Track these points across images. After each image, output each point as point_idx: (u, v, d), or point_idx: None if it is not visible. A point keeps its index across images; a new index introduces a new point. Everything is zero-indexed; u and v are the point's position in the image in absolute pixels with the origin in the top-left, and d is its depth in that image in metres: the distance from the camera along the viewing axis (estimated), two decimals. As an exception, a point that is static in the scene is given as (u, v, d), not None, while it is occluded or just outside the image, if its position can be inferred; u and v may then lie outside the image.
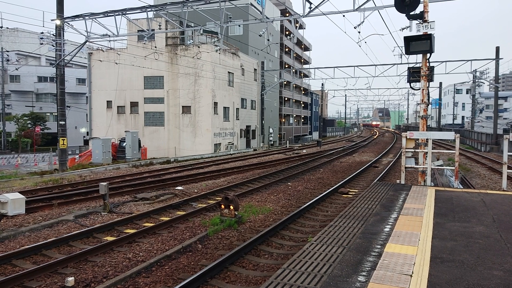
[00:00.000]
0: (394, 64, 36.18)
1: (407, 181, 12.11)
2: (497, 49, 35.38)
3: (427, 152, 10.31)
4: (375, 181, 15.33)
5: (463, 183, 16.22)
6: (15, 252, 7.69)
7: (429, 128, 62.62)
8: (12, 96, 54.82)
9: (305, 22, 73.90)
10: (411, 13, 11.45)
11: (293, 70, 62.87)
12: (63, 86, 22.57)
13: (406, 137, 10.49)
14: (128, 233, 9.22)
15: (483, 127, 56.41)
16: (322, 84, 63.96)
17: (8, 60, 49.56)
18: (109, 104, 38.05)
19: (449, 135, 10.97)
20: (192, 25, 29.51)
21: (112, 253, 8.01)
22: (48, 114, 56.47)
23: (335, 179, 17.61)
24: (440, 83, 59.69)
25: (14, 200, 9.28)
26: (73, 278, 6.35)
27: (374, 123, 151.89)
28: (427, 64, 11.52)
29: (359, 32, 20.31)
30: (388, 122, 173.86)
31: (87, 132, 43.61)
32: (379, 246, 5.08)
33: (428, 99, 11.81)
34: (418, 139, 11.48)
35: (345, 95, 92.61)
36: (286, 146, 44.57)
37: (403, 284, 3.93)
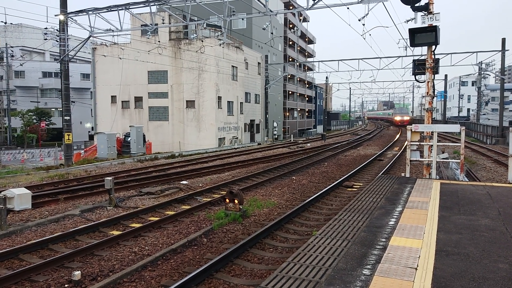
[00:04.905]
0: (399, 56, 35.88)
1: (412, 174, 12.08)
2: (503, 40, 34.98)
3: (432, 145, 10.26)
4: (380, 174, 15.28)
5: (469, 176, 16.14)
6: (22, 247, 7.77)
7: (435, 121, 62.27)
8: (17, 91, 55.05)
9: (309, 15, 73.41)
10: (416, 4, 11.36)
11: (297, 64, 62.58)
12: (68, 81, 22.63)
13: (411, 130, 10.44)
14: (134, 227, 9.28)
15: (489, 119, 55.99)
16: (326, 78, 63.52)
17: (12, 56, 49.67)
18: (113, 99, 38.12)
19: (454, 128, 10.92)
20: (196, 19, 29.41)
21: (118, 247, 8.06)
22: (53, 109, 56.73)
23: (340, 173, 17.58)
24: (446, 76, 59.22)
25: (20, 195, 9.36)
26: (79, 272, 6.40)
27: (397, 118, 78.11)
28: (432, 56, 11.44)
29: (364, 25, 20.14)
30: None
31: (92, 127, 43.78)
32: (384, 240, 5.08)
33: (434, 92, 11.75)
34: (423, 132, 11.43)
35: (350, 88, 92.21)
36: (291, 140, 44.49)
37: (408, 277, 3.93)
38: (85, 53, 52.90)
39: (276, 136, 49.76)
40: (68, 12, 22.16)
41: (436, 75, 11.82)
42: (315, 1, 17.94)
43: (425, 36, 10.88)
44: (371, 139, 43.22)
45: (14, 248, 7.64)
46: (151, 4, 20.62)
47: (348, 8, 18.25)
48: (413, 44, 11.08)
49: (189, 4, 20.33)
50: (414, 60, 12.28)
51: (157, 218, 10.05)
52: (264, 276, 6.44)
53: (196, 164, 21.27)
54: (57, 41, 22.35)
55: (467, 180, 12.79)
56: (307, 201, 11.01)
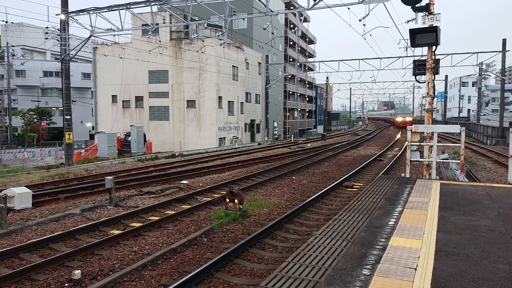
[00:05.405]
0: (400, 57, 35.88)
1: (412, 174, 12.09)
2: (504, 41, 34.96)
3: (432, 146, 10.27)
4: (380, 174, 15.27)
5: (469, 176, 16.14)
6: (22, 246, 7.78)
7: (435, 121, 62.16)
8: (18, 91, 55.07)
9: (310, 15, 73.42)
10: (417, 5, 11.37)
11: (298, 64, 62.59)
12: (69, 81, 22.65)
13: (411, 130, 10.44)
14: (134, 226, 9.29)
15: (489, 120, 55.97)
16: (327, 78, 63.60)
17: (13, 55, 49.74)
18: (114, 98, 38.14)
19: (454, 129, 10.92)
20: (196, 19, 29.40)
21: (118, 246, 8.07)
22: (54, 108, 56.74)
23: (340, 173, 17.58)
24: (446, 76, 59.32)
25: (21, 194, 9.36)
26: (79, 271, 6.41)
27: (399, 119, 72.57)
28: (433, 56, 11.44)
29: (364, 25, 20.15)
30: None
31: (93, 127, 43.81)
32: (383, 240, 5.09)
33: (434, 92, 11.75)
34: (423, 132, 11.43)
35: (350, 88, 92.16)
36: (291, 140, 44.51)
37: (407, 277, 3.93)
38: (86, 53, 53.05)
39: (277, 136, 49.76)
40: (69, 11, 22.18)
41: (436, 76, 11.83)
42: (316, 1, 17.95)
43: (425, 36, 10.89)
44: (371, 140, 43.22)
45: (14, 247, 7.65)
46: (152, 3, 20.63)
47: (348, 8, 18.26)
48: (414, 44, 11.09)
49: (190, 4, 20.34)
50: (414, 61, 12.29)
51: (157, 218, 10.06)
52: (264, 275, 6.45)
53: (196, 164, 21.28)
54: (58, 41, 22.37)
55: (467, 180, 12.80)
56: (307, 201, 11.02)
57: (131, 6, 20.83)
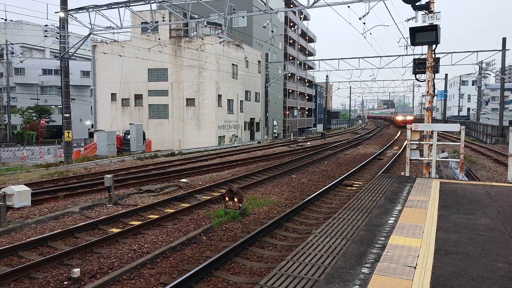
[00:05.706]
0: (400, 55, 35.88)
1: (411, 173, 12.09)
2: (504, 40, 34.94)
3: (432, 144, 10.27)
4: (380, 173, 15.28)
5: (468, 175, 16.15)
6: (21, 244, 7.77)
7: (435, 120, 62.14)
8: (17, 88, 55.00)
9: (310, 13, 73.30)
10: (417, 3, 11.36)
11: (298, 62, 62.53)
12: (68, 79, 22.60)
13: (411, 129, 10.44)
14: (133, 225, 9.28)
15: (489, 119, 55.97)
16: (327, 76, 63.47)
17: (12, 53, 49.63)
18: (113, 96, 38.11)
19: (454, 127, 10.92)
20: (196, 17, 29.38)
21: (118, 244, 8.06)
22: (53, 106, 56.67)
23: (340, 172, 17.58)
24: (446, 75, 59.32)
25: (20, 192, 9.35)
26: (79, 269, 6.40)
27: (399, 118, 68.44)
28: (433, 55, 11.43)
29: (364, 23, 20.14)
30: None
31: (92, 125, 43.78)
32: (383, 238, 5.08)
33: (434, 91, 11.75)
34: (423, 131, 11.43)
35: (350, 87, 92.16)
36: (290, 139, 44.51)
37: (407, 276, 3.93)
38: (85, 51, 52.95)
39: (276, 135, 49.74)
40: (68, 9, 22.13)
41: (436, 74, 11.82)
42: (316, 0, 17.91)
43: (425, 35, 10.89)
44: (371, 138, 43.23)
45: (13, 245, 7.64)
46: (152, 1, 20.58)
47: (348, 6, 18.25)
48: (414, 43, 11.08)
49: (189, 2, 20.32)
50: (414, 59, 12.29)
51: (156, 216, 10.04)
52: (263, 274, 6.44)
53: (196, 162, 21.27)
54: (57, 38, 22.32)
55: (467, 179, 12.80)
56: (306, 199, 11.01)
57: (131, 4, 20.78)
